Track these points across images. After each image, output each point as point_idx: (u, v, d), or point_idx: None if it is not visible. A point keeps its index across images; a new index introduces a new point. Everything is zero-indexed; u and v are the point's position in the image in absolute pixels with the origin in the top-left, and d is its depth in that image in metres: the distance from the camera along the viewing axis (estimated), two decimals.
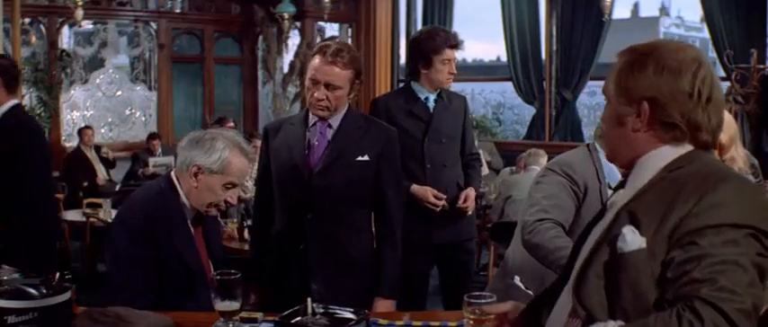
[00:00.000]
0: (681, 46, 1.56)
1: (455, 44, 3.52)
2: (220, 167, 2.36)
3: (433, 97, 3.57)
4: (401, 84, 10.09)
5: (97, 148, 8.66)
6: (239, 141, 2.44)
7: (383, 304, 2.66)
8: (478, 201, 3.85)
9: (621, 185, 1.67)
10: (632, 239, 1.44)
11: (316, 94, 2.65)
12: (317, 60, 2.66)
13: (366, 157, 2.70)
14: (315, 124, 2.73)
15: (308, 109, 2.74)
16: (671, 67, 1.50)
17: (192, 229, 2.45)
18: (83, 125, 9.05)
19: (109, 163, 8.69)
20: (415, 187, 3.47)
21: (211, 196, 2.40)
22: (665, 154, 1.54)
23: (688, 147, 1.54)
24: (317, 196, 2.68)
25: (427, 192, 3.46)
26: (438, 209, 3.48)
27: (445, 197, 3.50)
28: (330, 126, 2.73)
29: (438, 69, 3.50)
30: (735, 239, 1.37)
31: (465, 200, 3.55)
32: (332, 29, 9.95)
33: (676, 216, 1.42)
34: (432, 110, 3.55)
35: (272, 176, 2.79)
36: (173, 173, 2.47)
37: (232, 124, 9.16)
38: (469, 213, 3.61)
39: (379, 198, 2.75)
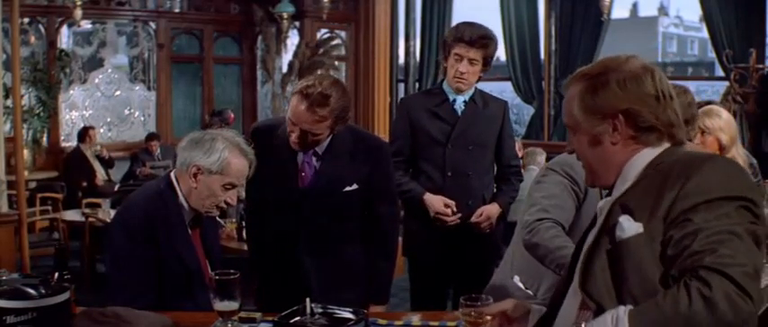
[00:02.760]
0: (625, 58, 1.64)
1: (469, 41, 3.13)
2: (220, 168, 2.35)
3: (462, 99, 3.26)
4: (400, 83, 10.15)
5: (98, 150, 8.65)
6: (239, 142, 2.41)
7: (375, 311, 2.66)
8: (501, 221, 3.36)
9: (609, 192, 1.71)
10: (629, 226, 1.50)
11: (292, 136, 2.54)
12: (295, 102, 2.48)
13: (354, 186, 2.65)
14: None
15: None
16: (630, 78, 1.58)
17: (190, 230, 2.45)
18: (82, 124, 9.04)
19: (107, 163, 8.68)
20: (428, 196, 3.21)
21: (211, 196, 2.38)
22: (646, 156, 1.61)
23: (665, 145, 1.61)
24: (307, 219, 2.66)
25: (439, 202, 3.20)
26: (448, 221, 3.18)
27: (453, 203, 3.19)
28: (316, 153, 2.64)
29: (450, 65, 3.19)
30: (727, 212, 1.44)
31: (480, 216, 3.21)
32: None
33: (668, 199, 1.48)
34: (459, 114, 3.25)
35: (260, 189, 2.69)
36: (172, 174, 2.46)
37: (232, 115, 9.15)
38: (486, 231, 3.24)
39: (372, 212, 2.73)
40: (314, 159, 2.65)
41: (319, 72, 2.68)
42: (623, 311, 1.43)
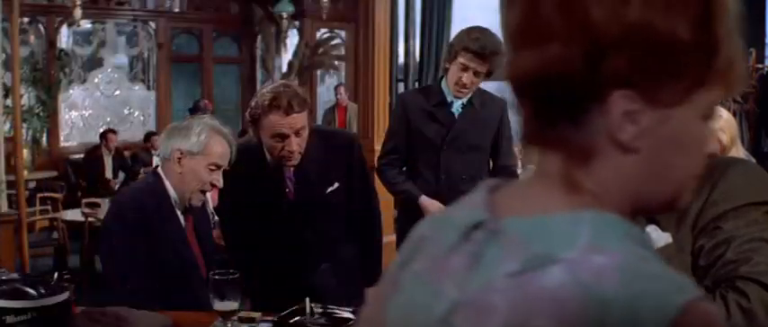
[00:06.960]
0: None
1: (480, 54, 3.00)
2: (201, 148, 2.41)
3: (460, 102, 3.19)
4: (400, 83, 10.15)
5: (118, 152, 8.52)
6: (215, 124, 2.48)
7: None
8: None
9: None
10: (658, 236, 1.47)
11: (287, 148, 2.54)
12: (276, 116, 2.49)
13: (336, 185, 2.68)
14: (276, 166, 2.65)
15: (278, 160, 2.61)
16: None
17: (183, 221, 2.48)
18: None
19: (124, 165, 8.57)
20: (424, 199, 3.16)
21: (197, 180, 2.42)
22: None
23: None
24: (300, 230, 2.68)
25: (437, 209, 3.09)
26: None
27: None
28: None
29: (452, 72, 3.10)
30: (755, 218, 1.43)
31: None
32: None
33: (695, 208, 1.46)
34: (456, 116, 3.18)
35: (240, 209, 2.72)
36: (159, 169, 2.51)
37: (208, 102, 9.10)
38: None
39: (352, 200, 2.76)
40: (291, 171, 2.66)
41: (262, 91, 2.59)
42: None
